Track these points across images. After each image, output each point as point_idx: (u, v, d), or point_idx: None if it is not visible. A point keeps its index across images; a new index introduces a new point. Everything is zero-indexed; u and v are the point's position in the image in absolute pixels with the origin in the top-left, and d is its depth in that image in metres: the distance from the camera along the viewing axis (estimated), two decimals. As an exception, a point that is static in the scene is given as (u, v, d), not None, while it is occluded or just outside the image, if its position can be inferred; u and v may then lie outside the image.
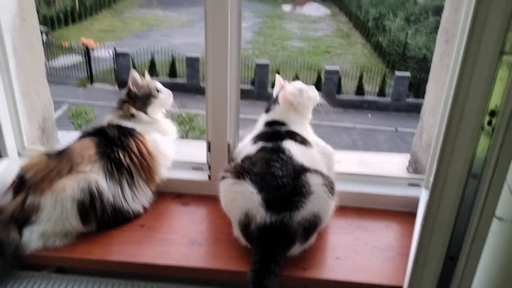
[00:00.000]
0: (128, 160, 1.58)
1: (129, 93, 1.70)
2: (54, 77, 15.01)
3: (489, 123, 0.81)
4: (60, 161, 1.49)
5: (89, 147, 1.54)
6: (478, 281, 0.96)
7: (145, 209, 1.64)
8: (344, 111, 14.30)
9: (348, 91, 14.94)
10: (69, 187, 1.43)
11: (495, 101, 0.80)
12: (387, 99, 14.64)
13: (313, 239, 1.48)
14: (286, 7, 25.12)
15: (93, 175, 1.49)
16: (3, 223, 1.44)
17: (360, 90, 14.90)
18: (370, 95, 14.95)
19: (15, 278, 1.46)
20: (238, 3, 1.52)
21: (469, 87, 0.79)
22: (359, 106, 14.57)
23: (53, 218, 1.44)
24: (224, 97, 1.61)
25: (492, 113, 0.81)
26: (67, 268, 1.53)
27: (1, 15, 1.62)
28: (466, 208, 0.87)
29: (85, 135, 1.61)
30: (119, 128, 1.62)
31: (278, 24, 22.32)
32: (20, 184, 1.49)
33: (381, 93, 14.85)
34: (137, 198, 1.61)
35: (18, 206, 1.46)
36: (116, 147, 1.57)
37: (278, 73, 1.83)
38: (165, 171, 1.70)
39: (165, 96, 1.75)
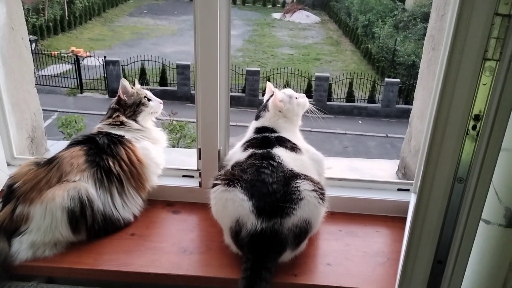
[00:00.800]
0: (117, 168, 1.57)
1: (119, 102, 1.70)
2: (44, 86, 14.92)
3: (474, 127, 0.83)
4: (49, 170, 1.49)
5: (78, 156, 1.53)
6: (466, 284, 0.97)
7: (135, 217, 1.64)
8: (334, 117, 14.38)
9: (339, 98, 15.03)
10: (59, 196, 1.42)
11: (479, 106, 0.81)
12: (377, 106, 14.76)
13: (304, 245, 1.48)
14: (276, 15, 25.28)
15: (83, 184, 1.48)
16: None
17: (350, 97, 15.00)
18: (360, 102, 15.05)
19: (4, 289, 1.44)
20: (227, 11, 1.53)
21: (454, 93, 0.80)
22: (349, 112, 14.66)
23: (43, 228, 1.43)
24: (214, 104, 1.61)
25: (477, 118, 0.82)
26: (57, 278, 1.51)
27: (-11, 25, 1.62)
28: (453, 212, 0.89)
29: (75, 143, 1.60)
30: (109, 135, 1.62)
31: (268, 32, 22.44)
32: (9, 194, 1.48)
33: (371, 99, 14.96)
34: (128, 206, 1.61)
35: (7, 216, 1.45)
36: (106, 155, 1.57)
37: (269, 80, 1.85)
38: (155, 179, 1.70)
39: (155, 104, 1.76)
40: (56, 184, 1.46)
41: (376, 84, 15.13)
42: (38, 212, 1.43)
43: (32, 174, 1.48)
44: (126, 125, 1.68)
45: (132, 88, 1.73)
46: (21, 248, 1.43)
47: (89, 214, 1.48)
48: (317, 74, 15.24)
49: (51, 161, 1.52)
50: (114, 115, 1.69)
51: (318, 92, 14.39)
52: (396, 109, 14.26)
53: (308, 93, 14.75)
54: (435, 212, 0.89)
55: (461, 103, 0.81)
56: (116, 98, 1.72)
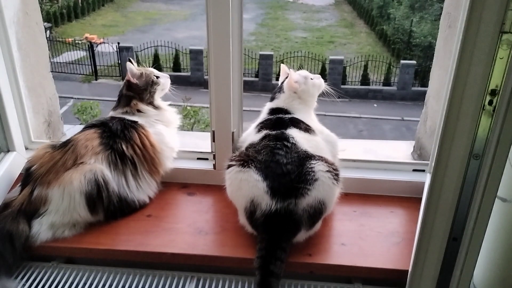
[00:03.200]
0: (131, 151, 1.59)
1: (130, 86, 1.68)
2: (59, 73, 15.06)
3: (490, 102, 0.81)
4: (65, 153, 1.51)
5: (93, 138, 1.55)
6: (481, 262, 0.97)
7: (150, 199, 1.66)
8: (349, 101, 14.25)
9: (353, 81, 14.87)
10: (76, 180, 1.45)
11: (495, 80, 0.80)
12: (393, 88, 14.57)
13: (318, 225, 1.49)
14: (289, -2, 24.95)
15: (99, 166, 1.50)
16: (12, 215, 1.46)
17: (365, 80, 14.82)
18: (376, 85, 14.88)
19: (26, 269, 1.48)
20: (239, -7, 1.52)
21: (470, 67, 0.79)
22: (364, 95, 14.50)
23: (61, 209, 1.46)
24: (227, 87, 1.61)
25: (493, 93, 0.81)
26: (76, 259, 1.55)
27: (5, 10, 1.63)
28: (469, 189, 0.88)
29: (89, 126, 1.61)
30: (122, 121, 1.63)
31: (281, 15, 22.20)
32: (27, 177, 1.51)
33: (387, 82, 14.77)
34: (142, 189, 1.63)
35: (25, 198, 1.48)
36: (119, 139, 1.58)
37: (283, 63, 1.84)
38: (169, 163, 1.71)
39: (165, 80, 1.75)
40: (72, 167, 1.49)
41: (391, 67, 14.92)
42: (56, 195, 1.45)
43: (48, 156, 1.51)
44: (142, 112, 1.68)
45: (138, 69, 1.70)
46: (41, 229, 1.46)
47: (106, 196, 1.50)
48: (331, 57, 15.06)
49: (66, 144, 1.54)
50: (132, 103, 1.67)
51: (332, 76, 14.24)
52: (412, 91, 14.06)
53: (322, 76, 14.58)
54: (450, 189, 0.89)
55: (477, 78, 0.79)
56: (124, 83, 1.68)
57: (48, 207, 1.46)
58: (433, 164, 0.89)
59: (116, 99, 1.72)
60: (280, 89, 1.69)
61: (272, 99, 1.70)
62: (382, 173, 1.76)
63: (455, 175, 0.87)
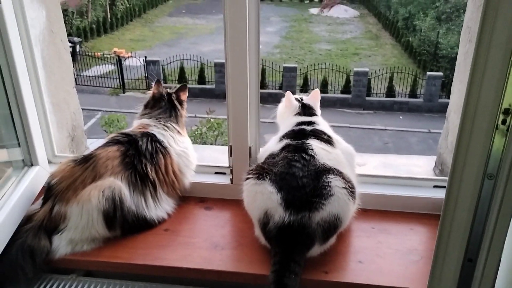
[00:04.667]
0: (154, 175, 1.61)
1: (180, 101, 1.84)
2: (88, 86, 15.46)
3: (504, 122, 0.79)
4: (85, 170, 1.53)
5: (114, 157, 1.56)
6: (500, 283, 0.94)
7: (169, 215, 1.68)
8: (374, 113, 14.11)
9: (378, 93, 14.73)
10: (94, 197, 1.47)
11: (508, 99, 0.78)
12: (419, 100, 14.36)
13: (332, 240, 1.47)
14: (314, 10, 25.04)
15: (118, 183, 1.52)
16: (33, 230, 1.50)
17: (390, 92, 14.66)
18: (401, 96, 14.69)
19: (46, 281, 1.51)
20: (256, 9, 1.54)
21: (482, 85, 0.78)
22: (389, 107, 14.33)
23: (80, 226, 1.49)
24: (244, 102, 1.62)
25: (506, 112, 0.79)
26: (94, 272, 1.57)
27: (31, 29, 1.69)
28: (483, 209, 0.86)
29: (113, 142, 1.63)
30: (152, 141, 1.65)
31: (305, 27, 22.27)
32: (48, 191, 1.55)
33: (413, 94, 14.57)
34: (161, 207, 1.65)
35: (46, 214, 1.52)
36: (145, 160, 1.60)
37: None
38: (188, 182, 1.74)
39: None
40: (91, 184, 1.51)
41: (417, 78, 14.72)
42: (75, 212, 1.49)
43: (68, 171, 1.54)
44: (176, 127, 1.76)
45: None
46: (61, 244, 1.49)
47: (123, 214, 1.52)
48: (355, 69, 14.98)
49: (87, 160, 1.56)
50: (177, 116, 1.79)
51: (357, 88, 14.16)
52: (439, 103, 13.81)
53: (347, 89, 14.57)
54: (464, 209, 0.87)
55: (489, 97, 0.78)
56: (174, 96, 1.82)
57: (68, 223, 1.50)
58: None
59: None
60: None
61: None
62: (402, 189, 1.73)
63: (469, 195, 0.85)
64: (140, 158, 1.60)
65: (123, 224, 1.54)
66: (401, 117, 14.04)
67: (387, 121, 13.62)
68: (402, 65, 16.45)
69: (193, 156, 1.78)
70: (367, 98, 14.29)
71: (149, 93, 1.83)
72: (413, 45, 17.83)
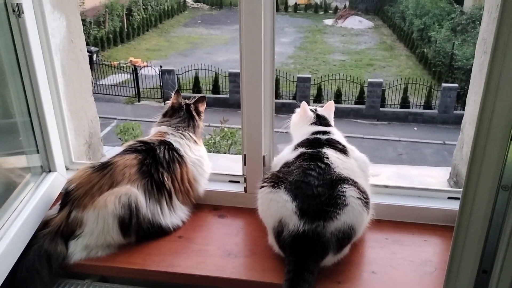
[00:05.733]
0: (170, 184, 1.64)
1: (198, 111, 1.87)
2: (104, 95, 15.67)
3: (519, 133, 0.80)
4: (102, 177, 1.56)
5: (132, 165, 1.58)
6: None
7: (184, 222, 1.69)
8: (388, 124, 14.02)
9: (393, 104, 14.65)
10: (110, 203, 1.50)
11: (523, 110, 0.78)
12: (434, 112, 14.24)
13: (346, 250, 1.47)
14: (328, 21, 25.09)
15: (134, 191, 1.54)
16: (50, 235, 1.53)
17: (405, 103, 14.57)
18: (416, 108, 14.60)
19: (61, 286, 1.53)
20: (272, 20, 1.56)
21: (496, 97, 0.78)
22: (404, 119, 14.24)
23: (96, 232, 1.52)
24: (259, 111, 1.64)
25: (521, 123, 0.79)
26: (109, 277, 1.59)
27: (51, 38, 1.73)
28: (498, 220, 0.85)
29: (131, 150, 1.64)
30: (170, 150, 1.67)
31: (319, 38, 22.31)
32: (65, 197, 1.58)
33: (427, 105, 14.46)
34: (176, 214, 1.67)
35: (63, 220, 1.54)
36: (162, 169, 1.63)
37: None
38: (202, 190, 1.77)
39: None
40: (107, 190, 1.53)
41: (432, 90, 14.61)
42: (91, 218, 1.51)
43: (86, 178, 1.56)
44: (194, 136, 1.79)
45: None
46: (76, 250, 1.52)
47: (138, 221, 1.54)
48: (369, 80, 14.94)
49: (105, 167, 1.58)
50: (195, 126, 1.83)
51: (371, 98, 14.10)
52: (454, 115, 13.68)
53: (361, 99, 14.53)
54: (479, 220, 0.86)
55: (504, 108, 0.78)
56: (193, 107, 1.86)
57: (84, 229, 1.52)
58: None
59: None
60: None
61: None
62: (416, 200, 1.73)
63: (484, 206, 0.85)
64: (157, 166, 1.62)
65: (138, 231, 1.56)
66: (415, 128, 13.93)
67: (401, 132, 13.52)
68: (417, 76, 16.37)
69: (208, 165, 1.80)
70: (381, 109, 14.22)
71: (168, 103, 1.87)
72: (428, 56, 17.73)
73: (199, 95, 1.91)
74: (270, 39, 1.58)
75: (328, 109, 1.79)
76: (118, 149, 1.69)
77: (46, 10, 1.69)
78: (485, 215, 0.85)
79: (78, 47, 1.98)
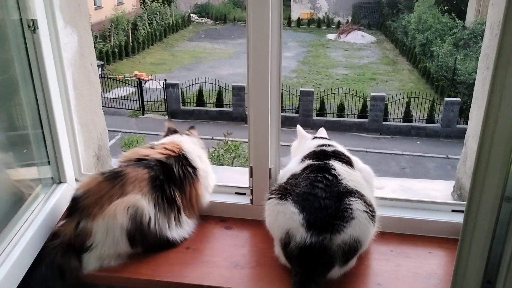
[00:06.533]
0: (179, 200, 1.66)
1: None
2: (109, 108, 15.78)
3: (521, 146, 0.82)
4: (113, 186, 1.56)
5: (143, 180, 1.58)
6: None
7: (190, 234, 1.71)
8: (391, 138, 14.04)
9: (395, 118, 14.69)
10: (119, 214, 1.50)
11: (525, 124, 0.81)
12: (437, 126, 14.29)
13: (353, 263, 1.49)
14: (331, 36, 25.29)
15: (143, 202, 1.55)
16: (62, 249, 1.52)
17: (407, 117, 14.62)
18: (419, 122, 14.63)
19: (70, 295, 1.55)
20: (279, 35, 1.60)
21: (498, 111, 0.81)
22: (407, 132, 14.28)
23: (106, 243, 1.52)
24: (266, 124, 1.67)
25: (523, 136, 0.82)
26: (118, 287, 1.61)
27: (64, 53, 1.78)
28: (502, 231, 0.88)
29: (142, 165, 1.63)
30: (184, 166, 1.69)
31: (322, 52, 22.47)
32: (73, 204, 1.57)
33: (430, 119, 14.51)
34: (183, 228, 1.69)
35: (72, 231, 1.53)
36: (174, 186, 1.64)
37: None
38: (206, 204, 1.79)
39: None
40: (117, 202, 1.53)
41: (435, 104, 14.67)
42: (100, 229, 1.51)
43: (96, 186, 1.56)
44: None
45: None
46: (90, 261, 1.52)
47: (145, 234, 1.55)
48: (372, 94, 15.02)
49: (116, 176, 1.57)
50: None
51: (374, 112, 14.16)
52: (457, 129, 13.72)
53: (363, 113, 14.58)
54: (483, 231, 0.89)
55: (507, 121, 0.81)
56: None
57: (94, 240, 1.52)
58: (467, 205, 0.89)
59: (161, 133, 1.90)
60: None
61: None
62: (420, 213, 1.74)
63: (487, 217, 0.87)
64: (169, 184, 1.63)
65: (143, 242, 1.57)
66: (418, 142, 13.95)
67: (404, 146, 13.54)
68: (420, 90, 16.44)
69: (212, 177, 1.83)
70: (384, 123, 14.26)
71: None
72: (431, 71, 17.83)
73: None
74: (277, 54, 1.62)
75: (321, 134, 1.87)
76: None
77: (59, 26, 1.74)
78: (489, 226, 0.87)
79: (88, 62, 2.03)
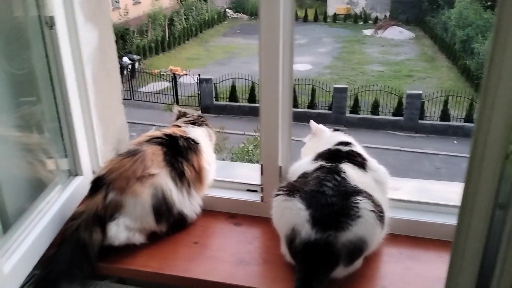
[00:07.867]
0: (189, 172, 1.71)
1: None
2: (144, 102, 16.12)
3: (514, 151, 0.79)
4: (134, 162, 1.60)
5: (158, 154, 1.65)
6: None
7: (196, 215, 1.76)
8: (427, 136, 13.69)
9: (432, 116, 14.30)
10: (146, 192, 1.57)
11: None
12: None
13: (358, 263, 1.47)
14: (367, 32, 24.85)
15: (165, 180, 1.62)
16: (86, 223, 1.54)
17: (445, 115, 14.21)
18: (457, 121, 14.19)
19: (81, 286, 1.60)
20: (291, 31, 1.59)
21: (492, 114, 0.78)
22: (443, 132, 13.88)
23: (134, 215, 1.57)
24: (275, 122, 1.67)
25: (517, 141, 0.78)
26: (126, 279, 1.65)
27: (83, 49, 1.83)
28: (495, 239, 0.84)
29: (154, 142, 1.70)
30: (187, 140, 1.77)
31: (358, 48, 22.13)
32: (97, 182, 1.61)
33: (469, 118, 14.04)
34: (193, 205, 1.74)
35: (99, 203, 1.56)
36: (182, 158, 1.70)
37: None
38: (211, 181, 1.84)
39: None
40: (141, 177, 1.58)
41: (474, 102, 14.18)
42: (130, 202, 1.56)
43: (117, 163, 1.61)
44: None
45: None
46: (119, 230, 1.55)
47: (169, 209, 1.63)
48: (408, 91, 14.67)
49: (135, 153, 1.63)
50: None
51: (409, 110, 13.84)
52: (497, 129, 13.20)
53: (399, 111, 14.26)
54: (475, 239, 0.86)
55: (499, 125, 0.78)
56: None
57: (123, 210, 1.55)
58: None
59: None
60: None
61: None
62: (435, 216, 1.70)
63: (480, 225, 0.84)
64: (177, 156, 1.69)
65: (170, 218, 1.64)
66: (455, 142, 13.54)
67: (441, 145, 13.17)
68: (458, 88, 15.93)
69: (212, 156, 1.89)
70: (420, 121, 13.92)
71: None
72: (471, 68, 17.25)
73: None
74: (288, 49, 1.61)
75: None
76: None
77: (79, 22, 1.79)
78: (481, 234, 0.85)
79: (109, 58, 2.07)
